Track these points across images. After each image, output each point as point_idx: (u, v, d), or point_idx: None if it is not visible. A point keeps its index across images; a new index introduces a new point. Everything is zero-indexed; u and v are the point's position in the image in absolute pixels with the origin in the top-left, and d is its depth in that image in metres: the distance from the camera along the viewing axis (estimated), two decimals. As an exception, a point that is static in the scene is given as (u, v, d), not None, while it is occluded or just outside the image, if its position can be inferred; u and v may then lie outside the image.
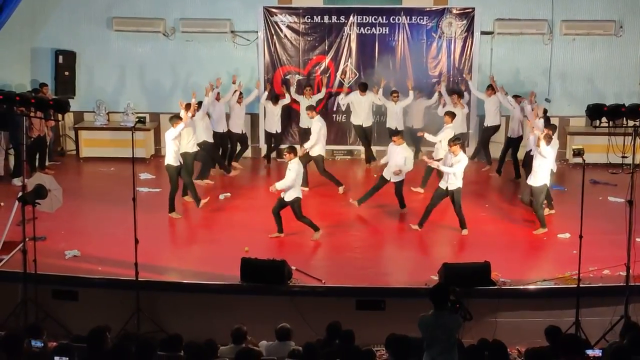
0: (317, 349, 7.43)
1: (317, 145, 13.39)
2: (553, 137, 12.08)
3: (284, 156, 11.39)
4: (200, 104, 13.49)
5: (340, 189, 13.62)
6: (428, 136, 13.41)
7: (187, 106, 12.70)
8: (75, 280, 9.96)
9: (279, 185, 11.23)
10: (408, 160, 12.35)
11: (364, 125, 15.42)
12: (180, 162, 12.43)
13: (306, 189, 13.05)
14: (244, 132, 15.30)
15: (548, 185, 11.79)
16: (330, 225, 11.98)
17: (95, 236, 11.55)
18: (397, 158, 12.33)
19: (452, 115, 13.47)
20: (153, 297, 9.73)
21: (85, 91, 16.25)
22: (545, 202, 12.10)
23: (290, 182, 11.18)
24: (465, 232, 11.63)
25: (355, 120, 15.48)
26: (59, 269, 10.16)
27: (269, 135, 15.75)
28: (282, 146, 15.15)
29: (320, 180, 13.82)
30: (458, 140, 11.72)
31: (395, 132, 13.53)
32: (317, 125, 13.45)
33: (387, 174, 12.49)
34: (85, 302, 9.84)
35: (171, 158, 12.25)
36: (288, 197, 11.23)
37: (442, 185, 11.69)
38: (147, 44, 16.19)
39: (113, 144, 15.70)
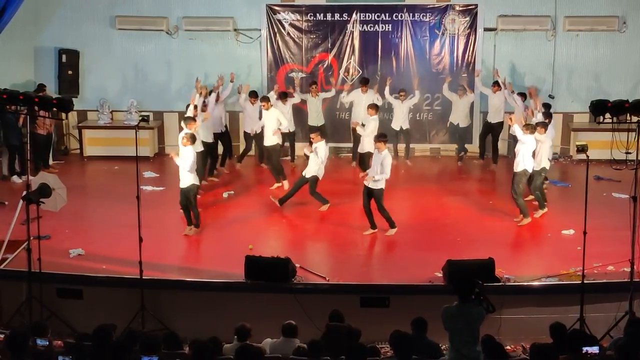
0: (322, 347, 7.43)
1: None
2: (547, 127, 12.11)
3: (311, 139, 11.97)
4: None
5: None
6: (359, 129, 13.62)
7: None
8: (80, 278, 9.97)
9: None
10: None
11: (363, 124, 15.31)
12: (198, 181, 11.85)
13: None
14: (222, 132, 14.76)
15: (529, 170, 11.74)
16: (334, 222, 11.99)
17: (99, 235, 11.58)
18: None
19: (374, 107, 13.56)
20: (157, 295, 9.74)
21: (88, 90, 16.26)
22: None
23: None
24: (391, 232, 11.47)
25: (356, 119, 15.05)
26: (63, 267, 10.18)
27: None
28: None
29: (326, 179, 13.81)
30: (384, 137, 11.55)
31: (314, 129, 13.40)
32: None
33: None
34: (89, 300, 9.86)
35: (191, 178, 11.41)
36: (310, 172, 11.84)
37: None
38: (150, 42, 16.18)
39: (117, 143, 15.70)
